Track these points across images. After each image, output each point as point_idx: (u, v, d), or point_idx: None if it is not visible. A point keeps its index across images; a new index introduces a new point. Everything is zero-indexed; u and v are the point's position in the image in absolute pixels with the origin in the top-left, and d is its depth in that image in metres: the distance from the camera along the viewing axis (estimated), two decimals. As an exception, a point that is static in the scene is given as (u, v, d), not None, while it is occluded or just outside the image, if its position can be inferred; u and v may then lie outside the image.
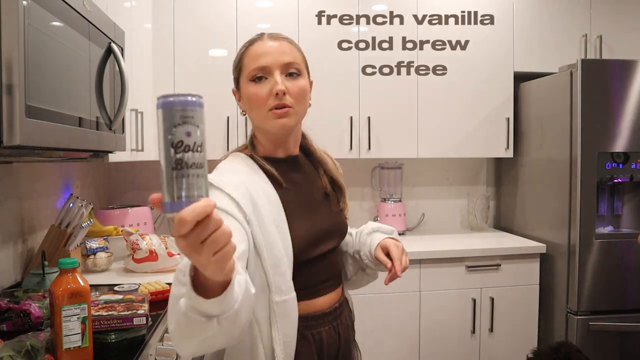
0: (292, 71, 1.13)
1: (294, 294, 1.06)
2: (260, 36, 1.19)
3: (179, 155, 0.63)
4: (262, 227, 1.04)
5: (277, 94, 1.09)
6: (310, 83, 1.21)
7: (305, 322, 1.10)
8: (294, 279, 1.06)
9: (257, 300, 0.99)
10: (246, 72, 1.14)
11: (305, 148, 1.27)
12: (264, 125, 1.14)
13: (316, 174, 1.25)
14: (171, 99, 0.65)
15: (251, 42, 1.19)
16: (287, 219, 1.09)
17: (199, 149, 0.67)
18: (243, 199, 1.03)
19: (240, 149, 1.22)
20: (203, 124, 0.69)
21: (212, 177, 1.03)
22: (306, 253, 1.10)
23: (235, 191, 1.03)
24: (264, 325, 1.04)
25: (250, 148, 1.19)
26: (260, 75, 1.12)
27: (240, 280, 0.79)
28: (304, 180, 1.20)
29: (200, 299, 0.72)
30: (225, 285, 0.73)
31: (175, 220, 0.59)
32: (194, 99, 0.67)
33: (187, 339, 0.78)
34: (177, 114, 0.66)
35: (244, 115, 1.18)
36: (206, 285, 0.72)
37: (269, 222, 1.05)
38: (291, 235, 1.08)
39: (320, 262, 1.16)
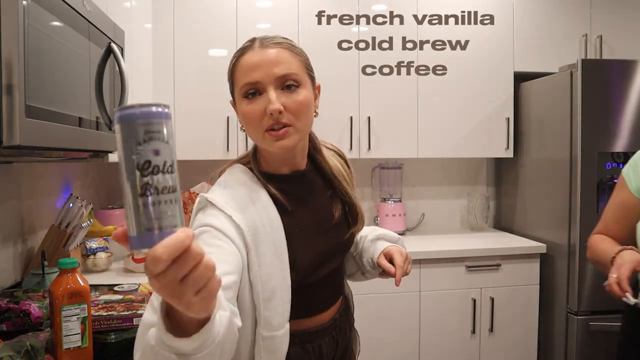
0: (288, 84, 1.00)
1: (284, 329, 0.97)
2: (251, 43, 1.06)
3: (146, 179, 0.51)
4: (259, 258, 0.95)
5: (271, 113, 0.96)
6: (318, 87, 1.10)
7: (307, 337, 1.07)
8: (295, 302, 0.99)
9: (243, 332, 0.90)
10: (238, 87, 1.02)
11: (314, 160, 1.14)
12: (262, 146, 1.04)
13: (326, 190, 1.13)
14: (132, 110, 0.52)
15: (242, 51, 1.06)
16: (290, 245, 1.00)
17: (169, 169, 0.52)
18: (246, 225, 0.95)
19: (242, 161, 1.11)
20: (173, 139, 0.54)
21: (212, 195, 0.97)
22: (309, 278, 1.03)
23: (239, 214, 0.95)
24: (245, 358, 0.96)
25: (253, 163, 1.08)
26: (254, 91, 0.99)
27: (223, 317, 0.70)
28: (311, 199, 1.09)
29: (169, 335, 0.62)
30: (204, 320, 0.62)
31: (147, 258, 0.51)
32: (159, 109, 0.53)
33: None
34: (141, 128, 0.52)
35: (243, 131, 1.05)
36: (180, 320, 0.61)
37: (269, 253, 0.96)
38: (295, 262, 1.00)
39: (324, 282, 1.09)
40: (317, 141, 1.15)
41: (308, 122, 1.03)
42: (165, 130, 0.53)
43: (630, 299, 1.11)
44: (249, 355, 0.96)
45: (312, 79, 1.08)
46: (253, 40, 1.06)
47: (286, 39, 1.08)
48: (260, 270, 0.94)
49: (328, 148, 1.19)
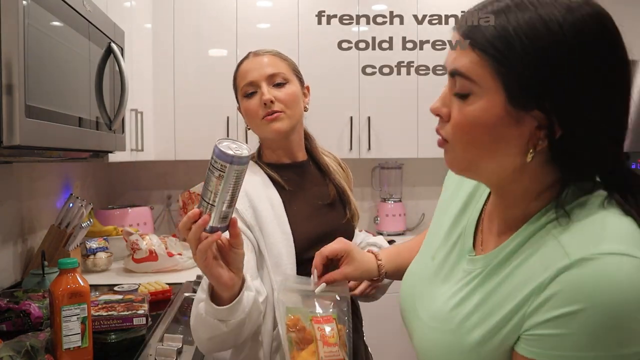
0: (278, 81, 1.21)
1: None
2: (247, 56, 1.27)
3: (232, 209, 0.87)
4: (263, 231, 1.11)
5: (265, 103, 1.17)
6: (307, 88, 1.30)
7: None
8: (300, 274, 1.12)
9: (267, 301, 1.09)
10: (239, 90, 1.23)
11: (312, 154, 1.30)
12: (262, 134, 1.22)
13: (323, 180, 1.27)
14: (242, 156, 0.84)
15: (240, 63, 1.26)
16: (290, 220, 1.14)
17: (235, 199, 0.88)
18: (243, 207, 1.11)
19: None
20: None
21: None
22: (308, 252, 1.12)
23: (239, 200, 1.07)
24: (269, 321, 1.09)
25: (257, 156, 1.26)
26: (252, 91, 1.20)
27: (249, 297, 0.96)
28: (309, 185, 1.24)
29: (212, 304, 0.92)
30: (234, 297, 0.92)
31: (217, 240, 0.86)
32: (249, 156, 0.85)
33: (201, 335, 0.98)
34: (240, 174, 0.86)
35: (249, 129, 1.25)
36: (220, 297, 0.93)
37: (272, 225, 1.12)
38: (294, 235, 1.13)
39: None
40: (313, 140, 1.32)
41: (297, 111, 1.22)
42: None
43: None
44: (272, 318, 1.10)
45: (300, 79, 1.30)
46: (248, 54, 1.28)
47: (275, 50, 1.33)
48: (265, 241, 1.11)
49: (325, 155, 1.33)
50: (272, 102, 1.17)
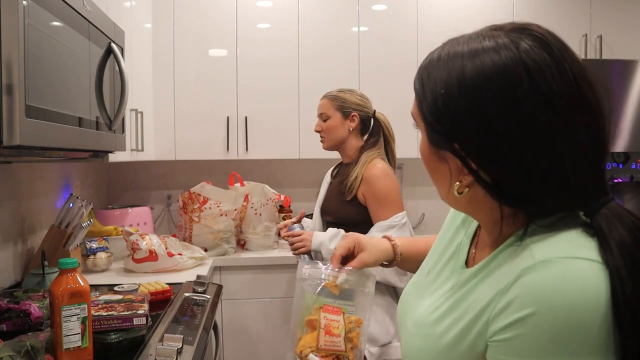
0: (324, 118, 2.02)
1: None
2: None
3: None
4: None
5: (316, 130, 2.04)
6: (351, 117, 2.00)
7: None
8: None
9: None
10: None
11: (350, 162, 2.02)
12: None
13: (349, 172, 1.96)
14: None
15: None
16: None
17: None
18: None
19: None
20: None
21: None
22: (322, 216, 2.05)
23: None
24: None
25: None
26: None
27: None
28: (339, 176, 2.03)
29: None
30: None
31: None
32: None
33: None
34: None
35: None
36: None
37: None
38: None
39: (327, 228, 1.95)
40: (353, 158, 2.02)
41: (334, 136, 2.01)
42: None
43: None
44: None
45: (343, 112, 2.00)
46: None
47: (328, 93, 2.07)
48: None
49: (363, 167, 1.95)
50: (318, 131, 2.04)
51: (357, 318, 0.96)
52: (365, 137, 2.04)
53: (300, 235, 1.89)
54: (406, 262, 1.07)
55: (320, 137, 2.02)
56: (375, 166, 1.92)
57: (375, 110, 2.06)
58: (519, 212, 0.66)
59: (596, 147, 0.63)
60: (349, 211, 1.92)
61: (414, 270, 0.94)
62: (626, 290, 0.55)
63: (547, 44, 0.62)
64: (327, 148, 2.03)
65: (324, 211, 2.05)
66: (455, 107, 0.64)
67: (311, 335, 0.93)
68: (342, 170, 2.05)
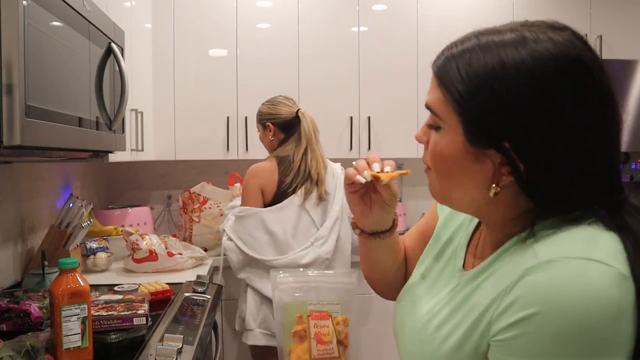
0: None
1: None
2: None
3: None
4: None
5: None
6: (267, 127, 2.14)
7: None
8: None
9: None
10: None
11: None
12: None
13: None
14: None
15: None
16: None
17: None
18: None
19: None
20: None
21: None
22: None
23: None
24: None
25: None
26: None
27: None
28: None
29: None
30: None
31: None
32: None
33: None
34: None
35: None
36: None
37: None
38: None
39: None
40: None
41: (266, 147, 2.24)
42: None
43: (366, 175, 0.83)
44: None
45: (262, 125, 2.15)
46: None
47: None
48: None
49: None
50: None
51: (344, 318, 0.95)
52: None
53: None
54: (388, 243, 0.91)
55: None
56: (254, 169, 2.10)
57: (298, 110, 2.13)
58: (530, 211, 0.65)
59: (618, 144, 0.65)
60: None
61: (379, 261, 0.90)
62: None
63: (587, 44, 0.64)
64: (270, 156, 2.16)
65: None
66: (511, 100, 0.59)
67: (302, 347, 0.91)
68: None
